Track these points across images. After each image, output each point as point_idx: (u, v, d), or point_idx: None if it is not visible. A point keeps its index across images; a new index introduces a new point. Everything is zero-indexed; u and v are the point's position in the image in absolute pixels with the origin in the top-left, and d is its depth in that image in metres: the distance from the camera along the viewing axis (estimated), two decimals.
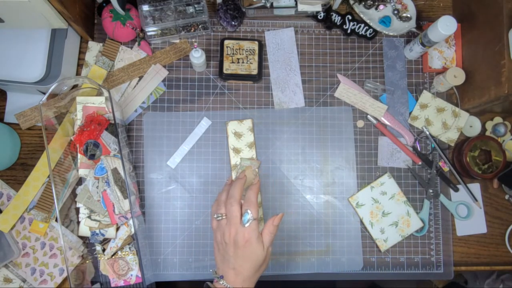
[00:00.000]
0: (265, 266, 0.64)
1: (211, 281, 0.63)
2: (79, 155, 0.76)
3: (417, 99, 0.85)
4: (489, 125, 0.85)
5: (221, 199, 0.66)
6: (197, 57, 0.77)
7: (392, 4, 0.87)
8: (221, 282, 0.61)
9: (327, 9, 0.84)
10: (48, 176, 0.78)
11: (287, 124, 0.84)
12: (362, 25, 0.85)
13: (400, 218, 0.81)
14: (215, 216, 0.65)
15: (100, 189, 0.74)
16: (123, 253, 0.78)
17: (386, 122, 0.84)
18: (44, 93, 0.76)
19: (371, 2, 0.86)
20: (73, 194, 0.78)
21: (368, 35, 0.85)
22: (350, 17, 0.85)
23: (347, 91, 0.84)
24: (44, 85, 0.74)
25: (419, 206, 0.83)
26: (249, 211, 0.63)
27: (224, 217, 0.64)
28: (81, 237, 0.77)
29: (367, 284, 1.34)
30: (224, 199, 0.66)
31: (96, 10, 0.84)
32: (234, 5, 0.82)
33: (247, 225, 0.62)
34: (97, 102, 0.77)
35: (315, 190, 0.82)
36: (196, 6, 0.79)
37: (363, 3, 0.86)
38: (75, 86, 0.81)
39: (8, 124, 0.81)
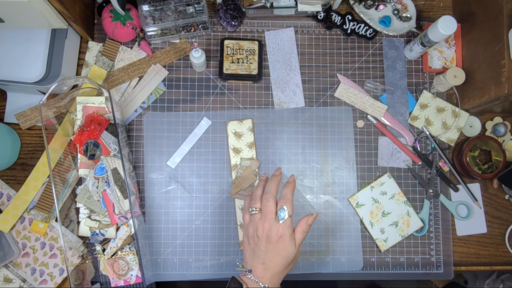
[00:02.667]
0: (293, 264, 0.64)
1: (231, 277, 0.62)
2: (79, 155, 0.76)
3: (417, 99, 0.85)
4: (489, 125, 0.85)
5: (257, 194, 0.66)
6: (197, 57, 0.77)
7: (392, 4, 0.87)
8: (248, 276, 0.60)
9: (327, 9, 0.84)
10: (48, 176, 0.78)
11: (287, 124, 0.84)
12: (362, 25, 0.85)
13: (400, 218, 0.81)
14: (249, 210, 0.65)
15: (100, 189, 0.74)
16: (123, 253, 0.78)
17: (386, 122, 0.84)
18: (44, 93, 0.76)
19: (371, 2, 0.86)
20: (73, 194, 0.78)
21: (368, 35, 0.85)
22: (350, 17, 0.85)
23: (347, 91, 0.84)
24: (44, 85, 0.74)
25: (419, 206, 0.83)
26: (285, 207, 0.62)
27: (258, 211, 0.64)
28: (81, 237, 0.77)
29: (367, 284, 1.34)
30: (259, 194, 0.66)
31: (96, 10, 0.84)
32: (234, 5, 0.82)
33: (281, 221, 0.61)
34: (97, 102, 0.77)
35: (315, 190, 0.82)
36: (196, 6, 0.79)
37: (363, 3, 0.86)
38: (75, 86, 0.81)
39: (8, 124, 0.81)
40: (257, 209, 0.64)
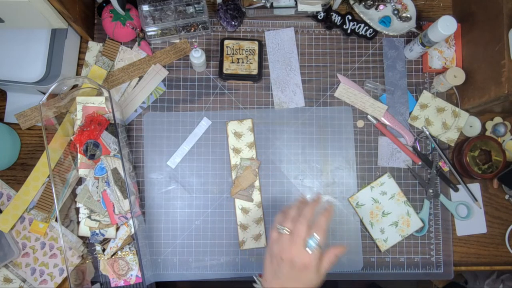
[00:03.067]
0: None
1: (253, 282, 0.62)
2: (79, 155, 0.76)
3: (417, 99, 0.85)
4: (489, 125, 0.85)
5: (290, 213, 0.62)
6: (197, 57, 0.77)
7: (392, 4, 0.87)
8: None
9: (327, 9, 0.84)
10: (48, 176, 0.78)
11: (287, 124, 0.84)
12: (362, 25, 0.85)
13: (400, 218, 0.81)
14: (278, 227, 0.61)
15: (100, 189, 0.74)
16: (123, 253, 0.78)
17: (386, 122, 0.84)
18: (44, 93, 0.76)
19: (371, 2, 0.86)
20: (73, 194, 0.78)
21: (368, 35, 0.85)
22: (350, 17, 0.85)
23: (347, 91, 0.84)
24: (44, 85, 0.74)
25: (419, 206, 0.83)
26: (316, 235, 0.59)
27: (287, 232, 0.60)
28: (81, 237, 0.77)
29: (367, 284, 1.34)
30: (293, 214, 0.62)
31: (96, 10, 0.84)
32: (234, 5, 0.82)
33: (310, 251, 0.58)
34: (97, 102, 0.77)
35: (315, 190, 0.82)
36: (196, 6, 0.79)
37: (363, 3, 0.86)
38: (75, 86, 0.81)
39: (8, 124, 0.81)
40: (287, 229, 0.60)
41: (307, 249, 0.58)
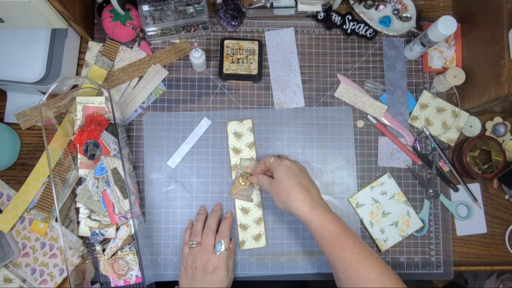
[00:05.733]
0: None
1: None
2: (79, 155, 0.76)
3: (417, 99, 0.85)
4: (489, 125, 0.85)
5: (197, 229, 0.75)
6: (197, 57, 0.77)
7: (392, 4, 0.87)
8: None
9: (327, 9, 0.84)
10: (48, 176, 0.78)
11: (287, 124, 0.84)
12: (362, 25, 0.85)
13: (400, 218, 0.81)
14: (190, 243, 0.73)
15: (100, 189, 0.74)
16: (123, 253, 0.77)
17: (386, 122, 0.84)
18: (44, 93, 0.76)
19: (371, 2, 0.86)
20: (73, 194, 0.77)
21: (368, 35, 0.85)
22: (350, 17, 0.85)
23: (347, 91, 0.84)
24: (44, 85, 0.74)
25: (419, 206, 0.83)
26: (222, 241, 0.72)
27: (197, 244, 0.73)
28: (81, 237, 0.77)
29: None
30: (199, 229, 0.75)
31: (96, 10, 0.84)
32: (234, 5, 0.82)
33: (218, 253, 0.71)
34: (97, 102, 0.77)
35: None
36: (196, 6, 0.79)
37: (363, 3, 0.86)
38: (75, 86, 0.81)
39: (8, 124, 0.81)
40: (197, 242, 0.73)
41: (217, 252, 0.71)
